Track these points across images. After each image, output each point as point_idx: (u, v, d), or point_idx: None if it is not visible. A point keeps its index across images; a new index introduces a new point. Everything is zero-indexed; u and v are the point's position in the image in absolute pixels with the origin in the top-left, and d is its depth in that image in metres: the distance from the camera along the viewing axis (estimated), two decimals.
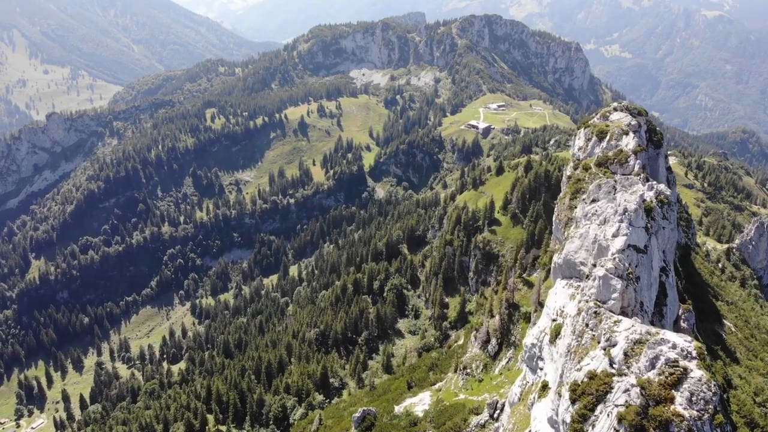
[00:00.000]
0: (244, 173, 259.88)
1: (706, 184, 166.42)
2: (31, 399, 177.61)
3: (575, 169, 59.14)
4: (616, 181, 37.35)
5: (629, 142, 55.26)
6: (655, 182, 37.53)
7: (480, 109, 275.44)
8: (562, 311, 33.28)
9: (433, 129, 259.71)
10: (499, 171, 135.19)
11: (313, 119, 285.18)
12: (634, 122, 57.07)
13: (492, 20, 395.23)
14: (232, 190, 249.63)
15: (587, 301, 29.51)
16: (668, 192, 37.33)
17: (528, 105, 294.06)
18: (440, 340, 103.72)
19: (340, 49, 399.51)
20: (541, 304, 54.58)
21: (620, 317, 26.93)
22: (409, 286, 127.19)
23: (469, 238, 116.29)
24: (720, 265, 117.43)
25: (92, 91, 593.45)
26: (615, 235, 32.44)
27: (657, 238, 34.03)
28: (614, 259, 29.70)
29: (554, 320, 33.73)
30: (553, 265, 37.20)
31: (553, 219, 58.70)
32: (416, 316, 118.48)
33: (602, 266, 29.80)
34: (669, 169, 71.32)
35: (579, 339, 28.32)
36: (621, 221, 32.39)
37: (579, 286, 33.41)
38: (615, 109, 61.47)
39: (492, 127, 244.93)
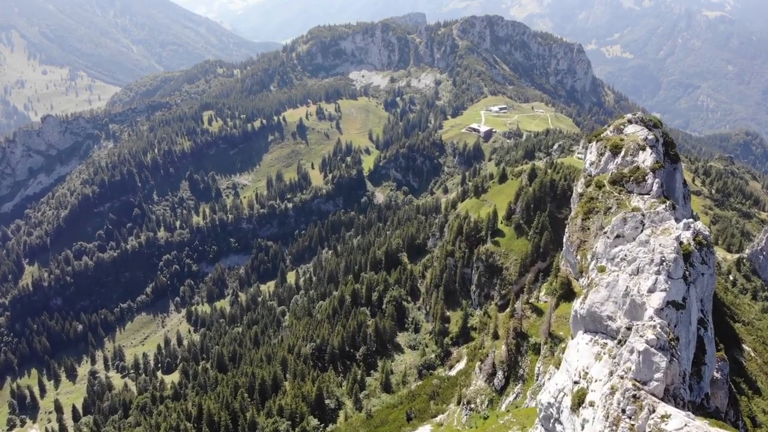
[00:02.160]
0: (242, 177, 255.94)
1: (714, 191, 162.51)
2: (24, 409, 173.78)
3: (587, 186, 55.12)
4: (644, 215, 33.25)
5: (646, 159, 51.24)
6: (691, 220, 33.40)
7: (481, 112, 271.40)
8: (587, 373, 29.05)
9: (433, 132, 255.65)
10: (502, 178, 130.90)
11: (312, 122, 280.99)
12: (651, 136, 53.02)
13: (493, 21, 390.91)
14: (229, 194, 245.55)
15: (622, 377, 25.17)
16: (707, 232, 33.20)
17: (530, 107, 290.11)
18: (441, 358, 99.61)
19: (339, 50, 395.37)
20: (552, 335, 50.69)
21: (668, 409, 22.61)
22: (409, 298, 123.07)
23: (471, 249, 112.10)
24: (731, 278, 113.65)
25: (91, 92, 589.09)
26: (651, 291, 28.06)
27: (695, 286, 29.83)
28: (655, 326, 25.21)
29: (576, 382, 29.43)
30: (573, 313, 32.99)
31: (564, 240, 54.65)
32: (416, 330, 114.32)
33: (641, 335, 25.33)
34: (684, 182, 67.13)
35: (613, 428, 23.86)
36: (658, 273, 28.10)
37: (606, 344, 29.23)
38: (629, 122, 57.39)
39: (494, 130, 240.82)
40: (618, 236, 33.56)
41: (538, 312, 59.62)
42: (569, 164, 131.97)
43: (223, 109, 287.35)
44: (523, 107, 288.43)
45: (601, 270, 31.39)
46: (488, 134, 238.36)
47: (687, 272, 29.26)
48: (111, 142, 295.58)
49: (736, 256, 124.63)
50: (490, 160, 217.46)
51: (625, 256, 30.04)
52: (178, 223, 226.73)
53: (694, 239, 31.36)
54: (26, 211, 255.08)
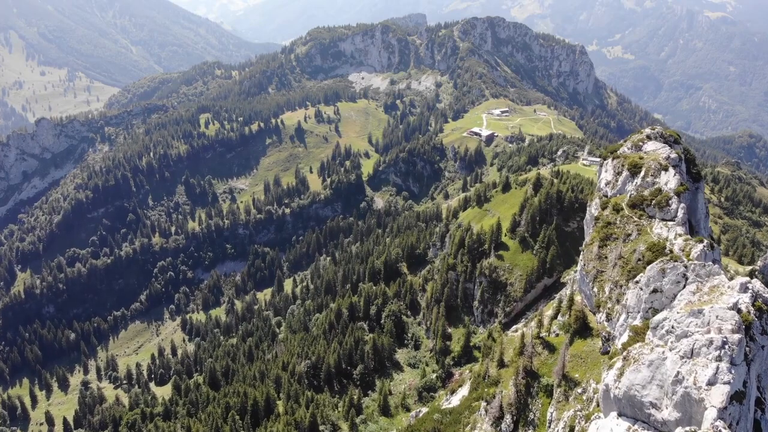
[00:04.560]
0: (239, 181, 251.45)
1: (723, 199, 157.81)
2: (15, 420, 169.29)
3: (603, 208, 50.49)
4: (686, 267, 28.61)
5: (669, 180, 46.64)
6: (747, 279, 28.47)
7: (483, 115, 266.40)
8: None
9: (434, 136, 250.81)
10: (506, 187, 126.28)
11: (311, 125, 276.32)
12: (673, 155, 48.43)
13: (495, 22, 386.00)
14: (225, 199, 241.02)
15: None
16: (766, 293, 28.22)
17: (532, 110, 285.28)
18: (443, 379, 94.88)
19: (338, 51, 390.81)
20: (565, 377, 46.11)
21: None
22: (409, 312, 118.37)
23: (473, 262, 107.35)
24: None
25: (89, 93, 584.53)
26: (712, 383, 23.00)
27: (755, 362, 25.03)
28: None
29: None
30: (604, 388, 27.94)
31: (578, 268, 50.08)
32: (416, 347, 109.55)
33: None
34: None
35: None
36: (719, 359, 22.95)
37: None
38: (648, 137, 52.75)
39: (495, 134, 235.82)
40: (655, 290, 28.87)
41: (550, 348, 54.77)
42: (575, 172, 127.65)
43: (221, 112, 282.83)
44: (525, 110, 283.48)
45: (636, 333, 26.65)
46: (490, 138, 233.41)
47: (747, 348, 24.39)
48: (106, 146, 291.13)
49: (749, 268, 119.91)
50: (492, 165, 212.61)
51: (673, 328, 25.06)
52: (173, 229, 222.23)
53: (752, 304, 26.40)
54: (20, 216, 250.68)
